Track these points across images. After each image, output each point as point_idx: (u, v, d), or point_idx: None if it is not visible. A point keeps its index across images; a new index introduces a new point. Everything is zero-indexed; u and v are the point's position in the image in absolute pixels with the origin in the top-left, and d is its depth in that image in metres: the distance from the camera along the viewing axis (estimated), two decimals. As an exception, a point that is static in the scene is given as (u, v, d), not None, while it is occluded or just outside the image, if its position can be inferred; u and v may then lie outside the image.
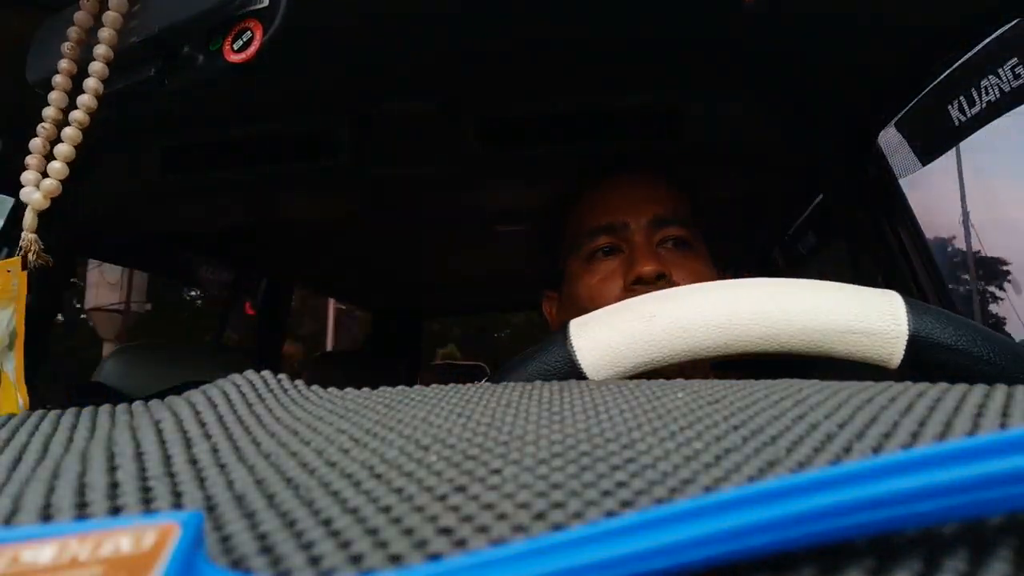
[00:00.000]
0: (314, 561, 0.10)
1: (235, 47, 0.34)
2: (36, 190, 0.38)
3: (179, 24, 0.35)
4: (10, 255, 0.97)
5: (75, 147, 0.38)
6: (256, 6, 0.33)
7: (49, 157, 0.38)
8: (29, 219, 0.39)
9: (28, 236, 0.39)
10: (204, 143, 0.94)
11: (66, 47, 0.38)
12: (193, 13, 0.35)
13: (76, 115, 0.37)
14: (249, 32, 0.34)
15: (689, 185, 0.71)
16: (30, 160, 0.38)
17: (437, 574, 0.09)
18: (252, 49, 0.33)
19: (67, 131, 0.38)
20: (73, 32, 0.38)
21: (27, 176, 0.38)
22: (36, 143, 0.38)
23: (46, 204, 0.38)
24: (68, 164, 0.38)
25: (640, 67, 0.80)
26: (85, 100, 0.37)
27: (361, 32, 0.71)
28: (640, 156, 0.73)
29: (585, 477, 0.12)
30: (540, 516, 0.11)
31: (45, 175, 0.38)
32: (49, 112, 0.38)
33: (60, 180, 0.38)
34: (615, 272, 0.63)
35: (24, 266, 0.39)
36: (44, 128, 0.38)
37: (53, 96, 0.38)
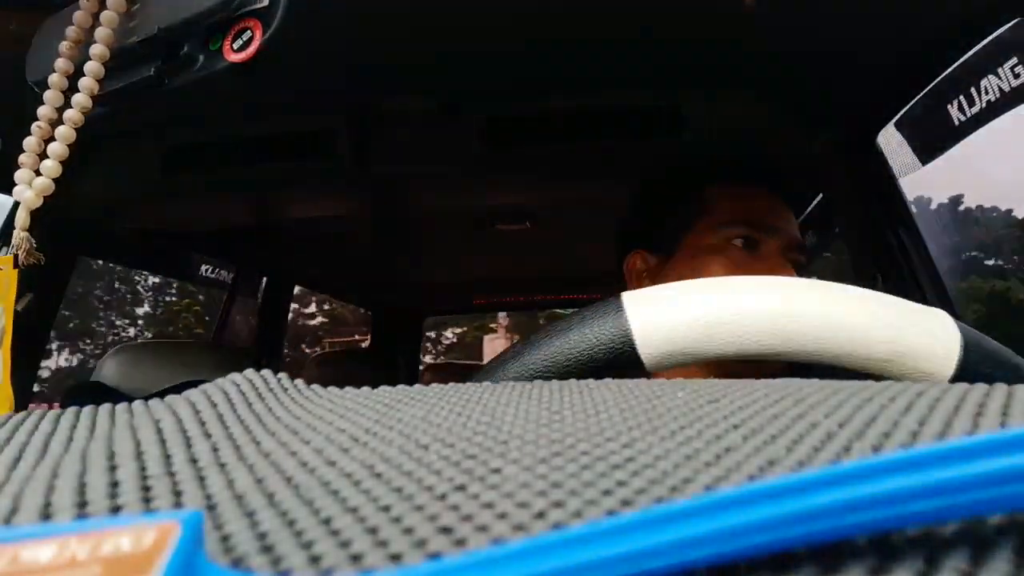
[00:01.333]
0: (314, 560, 0.10)
1: (235, 46, 0.34)
2: (29, 188, 0.37)
3: (179, 24, 0.35)
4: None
5: (69, 146, 0.38)
6: (256, 6, 0.33)
7: (43, 156, 0.38)
8: (22, 217, 0.38)
9: (20, 234, 0.38)
10: (204, 143, 0.94)
11: (64, 47, 0.38)
12: (193, 13, 0.35)
13: (70, 114, 0.37)
14: (249, 31, 0.34)
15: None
16: (24, 159, 0.38)
17: (437, 573, 0.09)
18: (252, 48, 0.33)
19: (61, 130, 0.37)
20: (71, 32, 0.38)
21: (20, 174, 0.38)
22: (30, 141, 0.38)
23: (39, 202, 0.38)
24: (61, 163, 0.38)
25: (641, 66, 0.80)
26: (80, 99, 0.37)
27: (361, 31, 0.71)
28: (784, 175, 0.75)
29: (585, 476, 0.12)
30: (540, 515, 0.11)
31: (39, 173, 0.38)
32: (44, 111, 0.38)
33: (53, 179, 0.38)
34: (750, 267, 0.65)
35: (16, 264, 0.39)
36: (39, 127, 0.38)
37: (49, 95, 0.38)
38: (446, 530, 0.10)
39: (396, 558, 0.10)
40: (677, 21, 0.71)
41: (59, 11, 0.41)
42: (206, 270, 1.54)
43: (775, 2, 0.61)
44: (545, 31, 0.72)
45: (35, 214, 1.05)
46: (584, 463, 0.12)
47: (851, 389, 0.17)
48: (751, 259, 0.66)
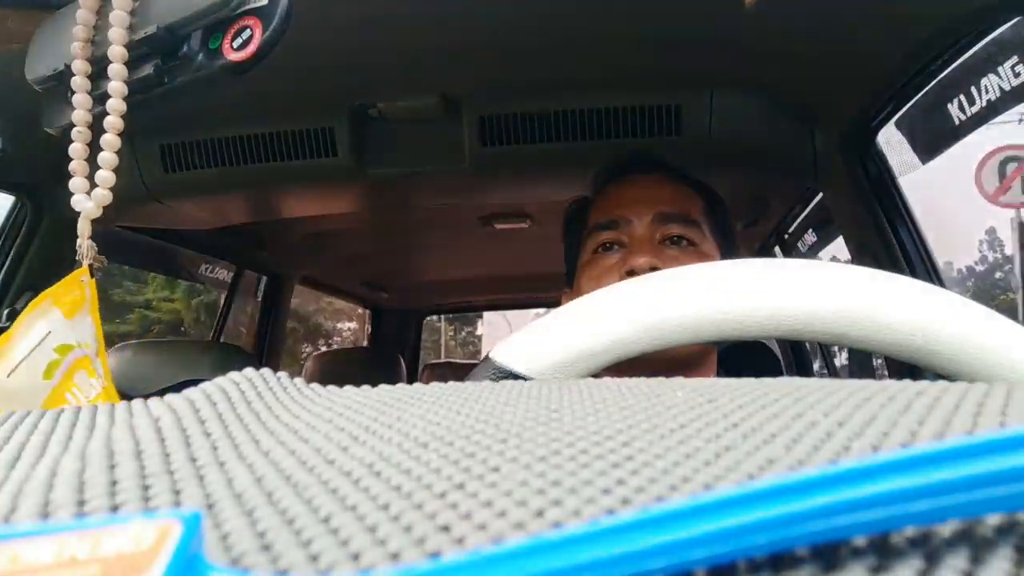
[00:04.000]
0: (313, 559, 0.10)
1: (235, 45, 0.34)
2: (88, 199, 0.38)
3: (179, 22, 0.35)
4: (10, 252, 0.97)
5: (116, 152, 0.39)
6: (255, 4, 0.33)
7: (91, 161, 0.39)
8: (84, 226, 0.39)
9: (85, 243, 0.39)
10: (204, 142, 0.94)
11: (76, 47, 0.38)
12: (193, 11, 0.34)
13: (111, 121, 0.38)
14: (249, 30, 0.34)
15: (701, 184, 0.71)
16: (75, 166, 0.38)
17: (436, 571, 0.09)
18: (252, 47, 0.33)
19: (107, 138, 0.38)
20: (81, 31, 0.38)
21: (75, 183, 0.38)
22: (77, 148, 0.38)
23: (98, 212, 0.39)
24: (113, 171, 0.39)
25: (641, 66, 0.80)
26: (115, 105, 0.37)
27: (361, 31, 0.71)
28: (652, 156, 0.74)
29: (584, 474, 0.12)
30: (539, 513, 0.11)
31: (91, 181, 0.39)
32: (80, 115, 0.38)
33: (109, 188, 0.39)
34: (614, 266, 0.64)
35: (92, 274, 0.40)
36: (80, 132, 0.38)
37: (78, 99, 0.38)
38: (445, 528, 0.10)
39: (395, 556, 0.10)
40: (677, 21, 0.71)
41: (59, 10, 0.41)
42: (206, 270, 1.54)
43: (775, 1, 0.61)
44: (544, 31, 0.72)
45: (36, 214, 1.04)
46: (583, 461, 0.12)
47: (850, 388, 0.17)
48: (618, 256, 0.65)
